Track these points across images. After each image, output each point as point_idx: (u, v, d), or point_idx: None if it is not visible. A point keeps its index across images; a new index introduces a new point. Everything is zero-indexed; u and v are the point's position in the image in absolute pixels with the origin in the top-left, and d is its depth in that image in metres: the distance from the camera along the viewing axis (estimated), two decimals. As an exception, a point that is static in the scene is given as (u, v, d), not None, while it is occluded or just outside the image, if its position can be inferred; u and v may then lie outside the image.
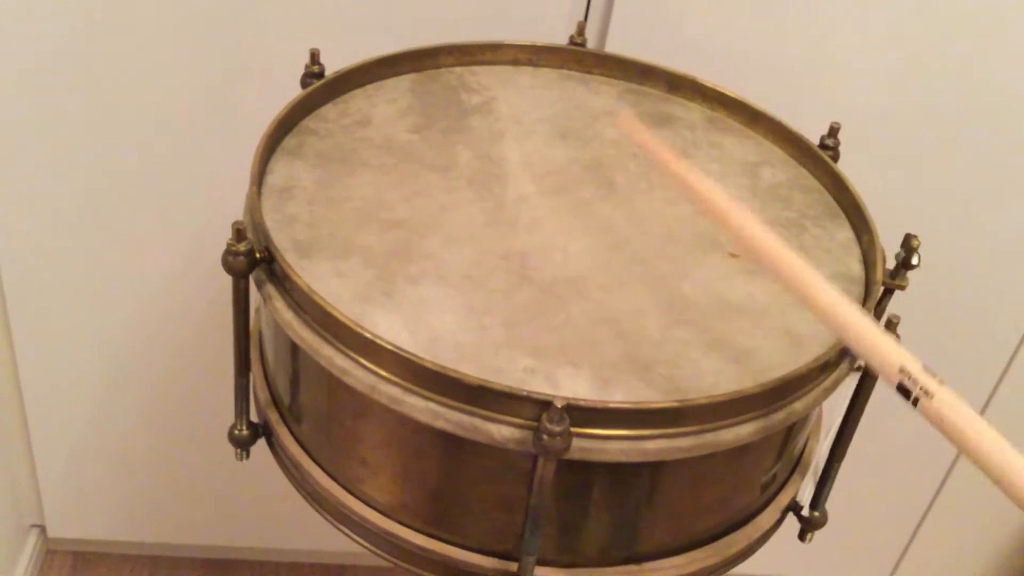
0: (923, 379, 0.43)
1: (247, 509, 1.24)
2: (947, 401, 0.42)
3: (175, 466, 1.20)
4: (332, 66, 0.70)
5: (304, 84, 0.69)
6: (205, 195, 0.97)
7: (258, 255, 0.55)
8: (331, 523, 0.60)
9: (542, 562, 0.55)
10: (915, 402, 0.43)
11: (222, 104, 0.93)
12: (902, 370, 0.44)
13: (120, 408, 1.15)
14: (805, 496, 0.64)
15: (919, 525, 1.29)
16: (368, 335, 0.51)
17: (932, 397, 0.43)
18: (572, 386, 0.51)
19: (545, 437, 0.48)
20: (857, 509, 1.08)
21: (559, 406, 0.47)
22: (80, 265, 1.04)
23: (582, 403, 0.48)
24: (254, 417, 0.64)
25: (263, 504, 1.22)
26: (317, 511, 0.61)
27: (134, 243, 1.02)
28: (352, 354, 0.52)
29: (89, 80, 0.91)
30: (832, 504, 0.65)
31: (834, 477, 0.63)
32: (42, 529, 1.27)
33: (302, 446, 0.61)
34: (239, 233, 0.54)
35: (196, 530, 1.28)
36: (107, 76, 0.91)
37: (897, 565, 1.33)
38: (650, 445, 0.50)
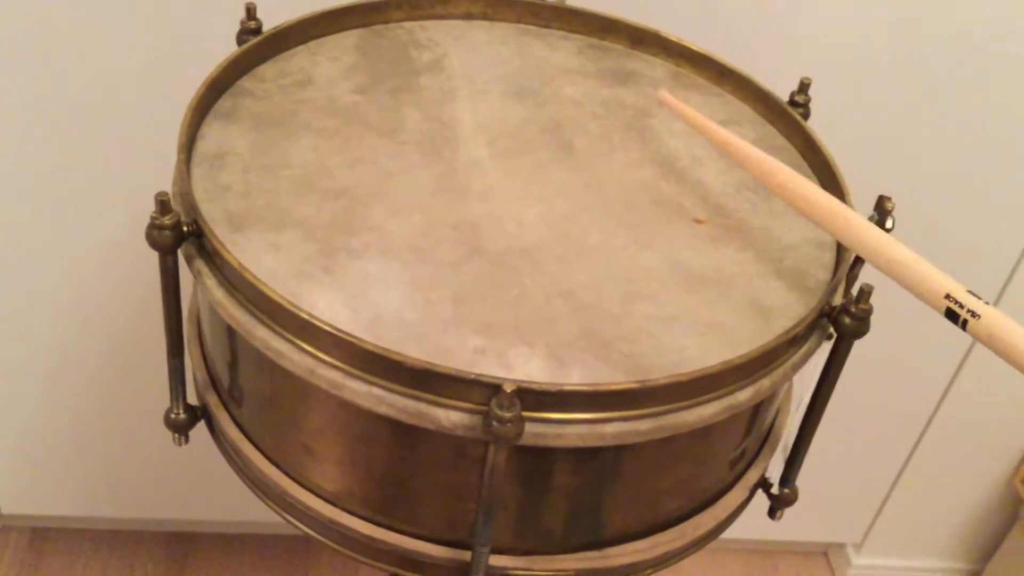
0: (969, 302, 0.45)
1: (209, 482, 1.20)
2: (995, 319, 0.44)
3: (132, 440, 1.17)
4: (270, 22, 0.65)
5: (240, 41, 0.65)
6: (143, 163, 0.92)
7: (186, 228, 0.51)
8: (275, 511, 0.57)
9: (498, 550, 0.52)
10: (963, 325, 0.45)
11: (151, 64, 0.87)
12: (948, 296, 0.46)
13: (72, 382, 1.12)
14: (775, 472, 0.62)
15: (893, 485, 1.28)
16: (305, 315, 0.47)
17: (980, 318, 0.44)
18: (525, 367, 0.48)
19: (495, 423, 0.44)
20: (830, 470, 1.07)
21: (509, 390, 0.44)
22: (20, 240, 0.99)
23: (534, 386, 0.45)
24: (193, 400, 0.60)
25: (226, 477, 1.18)
26: (260, 499, 0.57)
27: (78, 214, 0.98)
28: (289, 336, 0.48)
29: (8, 41, 0.86)
30: (804, 466, 0.62)
31: (805, 452, 0.60)
32: (-5, 506, 1.23)
33: (243, 431, 0.57)
34: (163, 205, 0.50)
35: (156, 504, 1.24)
36: (26, 37, 0.86)
37: (869, 528, 1.33)
38: (608, 428, 0.47)
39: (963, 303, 0.45)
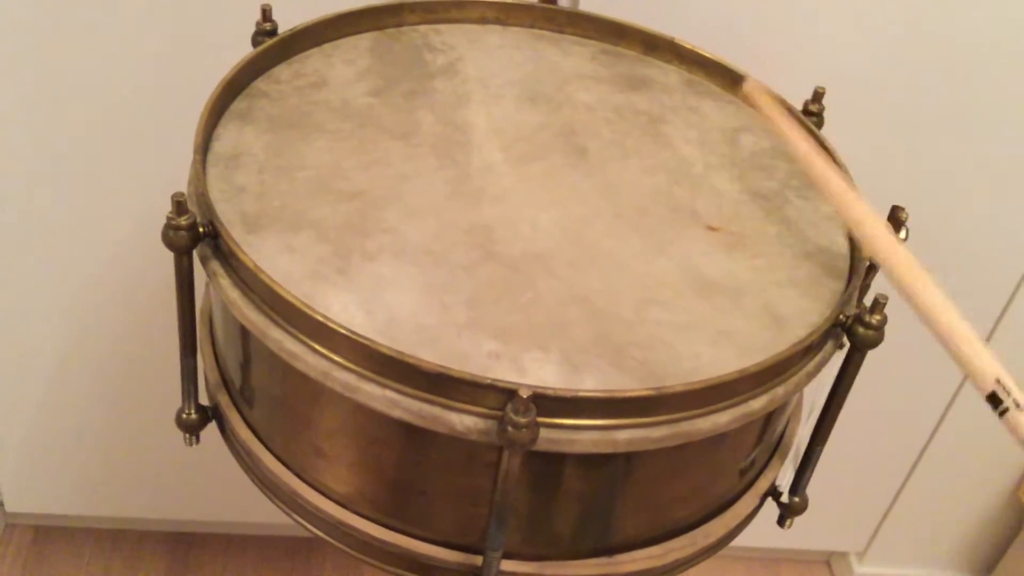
0: (1016, 393, 0.45)
1: (213, 482, 1.20)
2: None
3: (136, 439, 1.17)
4: (286, 23, 0.65)
5: (255, 43, 0.65)
6: (157, 164, 0.92)
7: (201, 229, 0.51)
8: (286, 513, 0.57)
9: (508, 555, 0.52)
10: (1003, 413, 0.44)
11: (167, 65, 0.87)
12: (998, 381, 0.45)
13: (78, 380, 1.11)
14: (785, 480, 0.61)
15: (896, 494, 1.28)
16: (319, 317, 0.47)
17: (1022, 410, 0.44)
18: (540, 372, 0.48)
19: (510, 429, 0.44)
20: (834, 478, 1.06)
21: (524, 396, 0.44)
22: (33, 238, 0.99)
23: (549, 392, 0.45)
24: (204, 400, 0.60)
25: (230, 477, 1.18)
26: (271, 500, 0.57)
27: (86, 213, 0.98)
28: (303, 337, 0.48)
29: (24, 40, 0.86)
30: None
31: (816, 461, 0.60)
32: (0, 504, 1.23)
33: (254, 432, 0.57)
34: (179, 206, 0.50)
35: (160, 504, 1.24)
36: (44, 36, 0.86)
37: (873, 537, 1.32)
38: (622, 435, 0.47)
39: (1010, 391, 0.45)
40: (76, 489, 1.22)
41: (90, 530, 1.26)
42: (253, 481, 0.58)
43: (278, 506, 0.57)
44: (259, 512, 1.24)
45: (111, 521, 1.26)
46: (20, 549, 1.23)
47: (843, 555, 1.37)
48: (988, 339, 1.10)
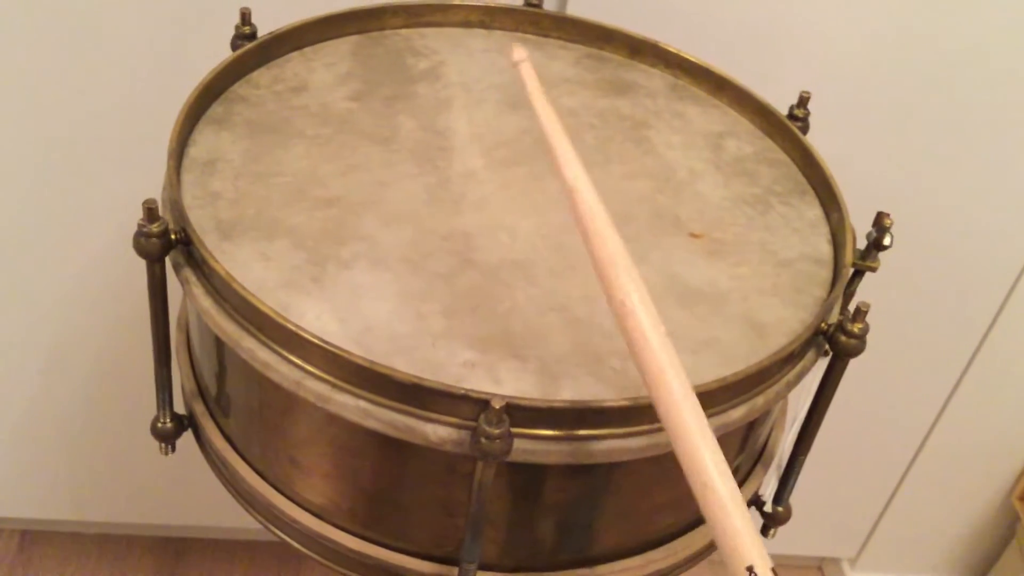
0: None
1: (200, 488, 1.19)
2: None
3: (123, 444, 1.16)
4: (265, 27, 0.65)
5: (234, 47, 0.64)
6: (135, 170, 0.91)
7: (174, 236, 0.50)
8: (261, 523, 0.56)
9: (485, 566, 0.51)
10: None
11: (144, 69, 0.86)
12: (750, 569, 0.38)
13: (64, 385, 1.11)
14: (768, 490, 0.61)
15: (889, 500, 1.27)
16: (292, 327, 0.46)
17: None
18: (516, 382, 0.47)
19: (483, 440, 0.44)
20: (826, 484, 1.06)
21: (497, 406, 0.43)
22: (9, 245, 0.98)
23: (524, 402, 0.44)
24: (180, 408, 0.60)
25: (217, 483, 1.18)
26: (247, 510, 0.57)
27: (67, 219, 0.97)
28: (276, 347, 0.47)
29: None
30: (800, 479, 0.61)
31: (799, 471, 0.59)
32: (-15, 509, 1.22)
33: (230, 441, 0.57)
34: (150, 212, 0.49)
35: (147, 510, 1.23)
36: (16, 40, 0.85)
37: (865, 543, 1.32)
38: (599, 446, 0.46)
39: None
40: (62, 494, 1.21)
41: (77, 535, 1.25)
42: (228, 490, 0.58)
43: (253, 516, 0.56)
44: (246, 518, 1.23)
45: (98, 526, 1.25)
46: (6, 554, 1.22)
47: (835, 561, 1.37)
48: (983, 341, 1.09)
